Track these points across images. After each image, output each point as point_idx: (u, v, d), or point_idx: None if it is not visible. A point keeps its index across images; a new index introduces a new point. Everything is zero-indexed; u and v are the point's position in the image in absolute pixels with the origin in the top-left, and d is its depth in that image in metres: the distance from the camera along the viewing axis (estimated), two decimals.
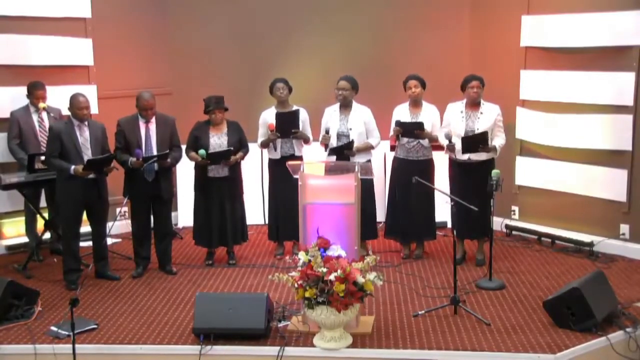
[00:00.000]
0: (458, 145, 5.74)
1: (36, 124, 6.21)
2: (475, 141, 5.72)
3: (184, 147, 6.02)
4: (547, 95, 6.59)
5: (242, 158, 6.07)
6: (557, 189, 6.62)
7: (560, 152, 6.55)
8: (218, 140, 5.94)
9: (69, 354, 4.24)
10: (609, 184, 6.25)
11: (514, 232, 6.88)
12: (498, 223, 6.75)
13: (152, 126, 5.78)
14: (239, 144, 6.02)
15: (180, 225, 7.28)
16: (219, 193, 6.00)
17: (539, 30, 6.58)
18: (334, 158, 5.99)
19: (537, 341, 4.55)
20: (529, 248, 6.54)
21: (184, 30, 7.34)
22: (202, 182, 6.03)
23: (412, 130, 5.91)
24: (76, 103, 5.48)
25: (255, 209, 7.19)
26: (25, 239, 6.48)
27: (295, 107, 6.20)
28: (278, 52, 7.31)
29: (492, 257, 5.62)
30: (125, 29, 7.05)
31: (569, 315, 4.68)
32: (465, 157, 5.84)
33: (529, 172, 6.85)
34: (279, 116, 6.08)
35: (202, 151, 5.86)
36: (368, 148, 6.10)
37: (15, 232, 6.61)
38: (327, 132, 5.99)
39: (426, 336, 4.67)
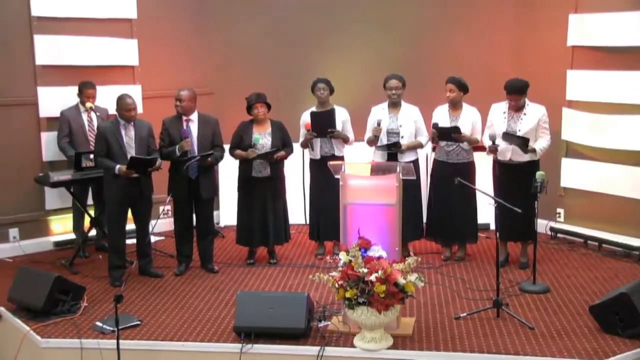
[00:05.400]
0: (502, 145, 5.67)
1: (85, 123, 6.35)
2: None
3: (226, 147, 6.07)
4: (595, 96, 6.44)
5: (286, 157, 6.08)
6: (604, 191, 6.47)
7: (608, 154, 6.40)
8: (262, 140, 5.98)
9: (113, 349, 4.32)
10: None
11: (559, 235, 6.76)
12: (542, 225, 6.64)
13: (194, 125, 5.85)
14: (283, 144, 6.05)
15: (222, 224, 7.35)
16: (262, 193, 6.03)
17: (586, 29, 6.44)
18: (380, 154, 5.98)
19: (582, 347, 4.45)
20: (574, 251, 6.41)
21: (226, 31, 7.40)
22: (245, 182, 6.06)
23: (449, 133, 5.85)
24: (124, 105, 5.58)
25: (297, 208, 7.21)
26: (73, 236, 6.63)
27: (334, 106, 6.19)
28: (320, 51, 7.31)
29: (536, 260, 5.51)
30: (169, 29, 7.15)
31: (617, 321, 4.56)
32: (507, 157, 5.76)
33: (575, 174, 6.71)
34: (314, 115, 6.09)
35: (256, 137, 5.89)
36: (417, 146, 6.09)
37: (63, 228, 6.76)
38: (378, 124, 5.95)
39: (468, 339, 4.61)
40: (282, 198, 6.18)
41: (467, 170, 5.98)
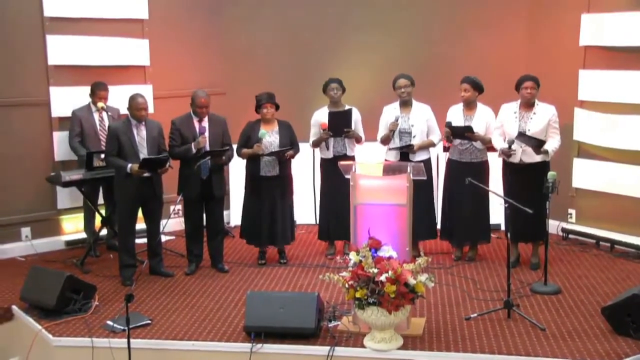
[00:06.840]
0: (518, 150, 5.66)
1: (97, 123, 6.39)
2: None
3: (235, 146, 6.08)
4: (607, 96, 6.41)
5: (293, 156, 6.08)
6: (617, 192, 6.42)
7: (620, 154, 6.36)
8: (270, 139, 5.98)
9: (124, 348, 4.33)
10: None
11: (570, 236, 6.72)
12: (554, 226, 6.61)
13: (205, 125, 5.86)
14: (290, 143, 6.05)
15: (232, 224, 7.36)
16: (270, 192, 6.03)
17: (599, 28, 6.40)
18: (392, 153, 5.98)
19: (594, 348, 4.42)
20: (586, 252, 6.37)
21: (237, 31, 7.41)
22: (253, 181, 6.07)
23: (462, 132, 5.84)
24: (135, 104, 5.61)
25: (307, 208, 7.21)
26: (84, 235, 6.66)
27: (347, 107, 6.19)
28: (330, 51, 7.31)
29: (547, 261, 5.49)
30: (180, 29, 7.17)
31: (629, 323, 4.53)
32: (518, 159, 5.73)
33: (587, 174, 6.67)
34: (332, 115, 6.09)
35: (262, 131, 5.90)
36: (430, 145, 6.09)
37: (74, 228, 6.80)
38: (396, 119, 5.94)
39: (478, 340, 4.59)
40: (290, 197, 6.18)
41: (481, 169, 5.95)
